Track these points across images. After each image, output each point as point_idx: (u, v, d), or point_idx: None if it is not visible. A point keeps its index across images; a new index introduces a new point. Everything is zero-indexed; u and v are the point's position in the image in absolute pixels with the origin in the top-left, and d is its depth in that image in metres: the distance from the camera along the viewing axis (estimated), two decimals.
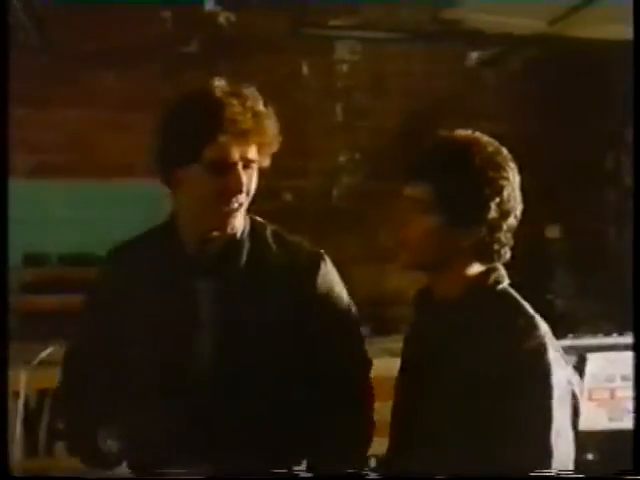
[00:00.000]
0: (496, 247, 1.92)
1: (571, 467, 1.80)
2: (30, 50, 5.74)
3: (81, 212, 5.78)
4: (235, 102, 2.03)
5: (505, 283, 1.99)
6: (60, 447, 3.87)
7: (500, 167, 1.89)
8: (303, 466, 2.22)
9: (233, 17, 5.93)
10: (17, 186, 5.85)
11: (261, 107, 2.08)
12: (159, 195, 2.24)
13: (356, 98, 6.06)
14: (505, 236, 1.92)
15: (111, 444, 2.19)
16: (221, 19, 6.00)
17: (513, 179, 1.92)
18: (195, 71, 5.91)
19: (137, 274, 2.20)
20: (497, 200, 1.87)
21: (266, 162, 2.13)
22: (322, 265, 2.22)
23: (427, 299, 2.07)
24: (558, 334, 1.96)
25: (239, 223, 2.12)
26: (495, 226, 1.89)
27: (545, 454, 1.76)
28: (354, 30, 5.76)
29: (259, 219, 2.27)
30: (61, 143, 5.98)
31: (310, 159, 5.87)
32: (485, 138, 1.96)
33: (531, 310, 1.92)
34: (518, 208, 1.94)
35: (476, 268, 1.97)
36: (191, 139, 1.99)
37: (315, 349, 2.17)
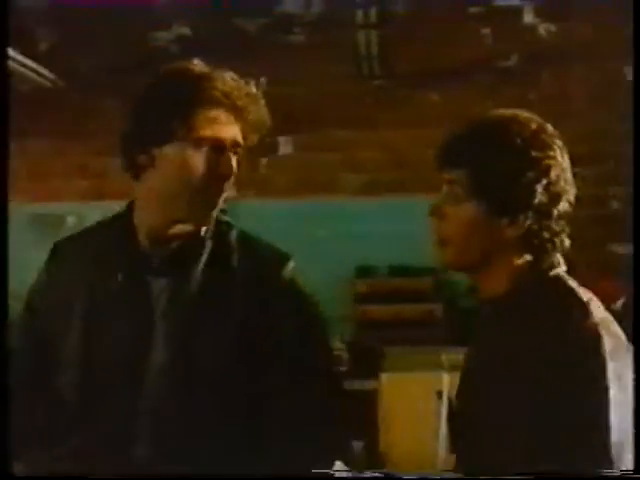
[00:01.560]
0: (546, 235, 1.67)
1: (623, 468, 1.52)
2: (368, 77, 6.23)
3: (405, 226, 5.98)
4: (227, 77, 1.79)
5: (560, 269, 1.72)
6: None
7: (545, 145, 1.65)
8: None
9: (553, 27, 5.96)
10: (344, 203, 6.30)
11: (253, 87, 1.84)
12: None
13: None
14: (557, 223, 1.67)
15: None
16: (541, 30, 6.08)
17: (562, 159, 1.67)
18: (516, 84, 6.03)
19: (82, 272, 1.95)
20: (544, 182, 1.63)
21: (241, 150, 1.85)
22: (288, 264, 1.94)
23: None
24: None
25: (213, 216, 1.88)
26: (544, 212, 1.65)
27: (603, 459, 1.52)
28: None
29: (225, 218, 1.98)
30: (388, 161, 6.35)
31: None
32: (526, 114, 1.71)
33: (586, 296, 1.64)
34: (571, 192, 1.68)
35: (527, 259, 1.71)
36: (177, 112, 1.75)
37: (281, 349, 1.89)
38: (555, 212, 1.64)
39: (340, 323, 6.36)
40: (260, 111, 1.83)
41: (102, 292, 1.90)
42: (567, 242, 1.70)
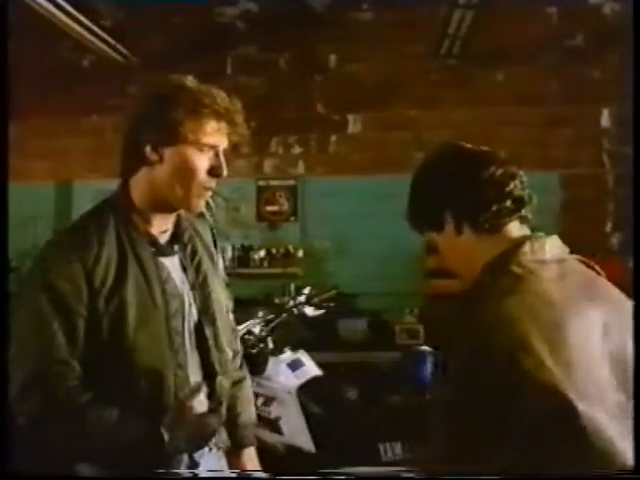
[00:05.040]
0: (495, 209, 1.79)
1: None
2: (437, 56, 6.30)
3: None
4: (221, 93, 2.16)
5: (523, 267, 1.76)
6: None
7: (472, 160, 1.87)
8: None
9: (617, 7, 5.91)
10: None
11: (239, 105, 2.20)
12: None
13: None
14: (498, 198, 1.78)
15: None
16: (606, 10, 6.07)
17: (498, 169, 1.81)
18: (582, 64, 5.99)
19: (96, 254, 2.11)
20: (453, 204, 1.83)
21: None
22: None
23: None
24: None
25: (202, 206, 2.23)
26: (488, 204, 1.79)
27: None
28: None
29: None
30: (452, 140, 6.31)
31: None
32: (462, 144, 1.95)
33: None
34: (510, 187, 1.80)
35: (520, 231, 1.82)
36: (188, 122, 2.09)
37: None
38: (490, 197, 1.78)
39: (412, 297, 6.65)
40: (244, 124, 2.21)
41: (123, 271, 2.12)
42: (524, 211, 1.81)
